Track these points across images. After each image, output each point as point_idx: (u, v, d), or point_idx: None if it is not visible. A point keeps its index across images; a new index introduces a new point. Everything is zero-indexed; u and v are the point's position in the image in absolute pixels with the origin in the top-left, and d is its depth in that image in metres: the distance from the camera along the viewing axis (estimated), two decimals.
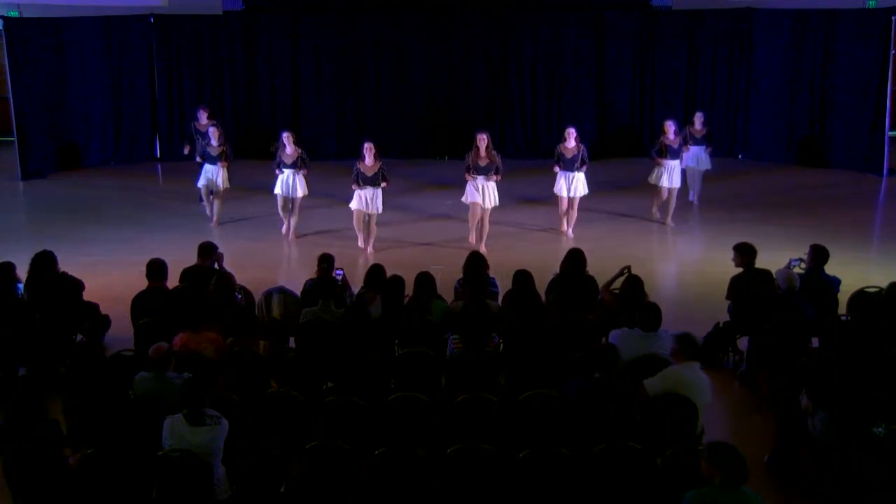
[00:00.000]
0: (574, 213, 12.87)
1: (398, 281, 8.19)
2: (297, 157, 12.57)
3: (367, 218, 12.16)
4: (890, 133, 16.44)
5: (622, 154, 17.96)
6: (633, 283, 8.10)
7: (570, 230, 12.94)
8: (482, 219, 12.25)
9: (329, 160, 17.18)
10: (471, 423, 6.28)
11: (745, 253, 8.77)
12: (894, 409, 6.23)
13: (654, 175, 13.21)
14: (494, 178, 12.04)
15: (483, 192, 12.05)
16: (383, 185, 12.00)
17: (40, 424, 5.97)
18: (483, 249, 11.66)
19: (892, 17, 15.81)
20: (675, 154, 13.11)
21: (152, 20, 18.02)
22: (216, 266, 8.90)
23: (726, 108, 18.16)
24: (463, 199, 12.30)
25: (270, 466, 5.26)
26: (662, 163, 13.04)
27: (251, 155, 16.69)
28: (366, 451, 5.87)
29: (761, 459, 6.78)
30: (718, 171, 14.54)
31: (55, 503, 5.84)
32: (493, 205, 12.15)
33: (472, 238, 12.31)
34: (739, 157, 18.03)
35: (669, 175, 13.10)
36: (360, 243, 12.30)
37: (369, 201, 11.98)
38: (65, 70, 17.25)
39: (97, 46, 17.58)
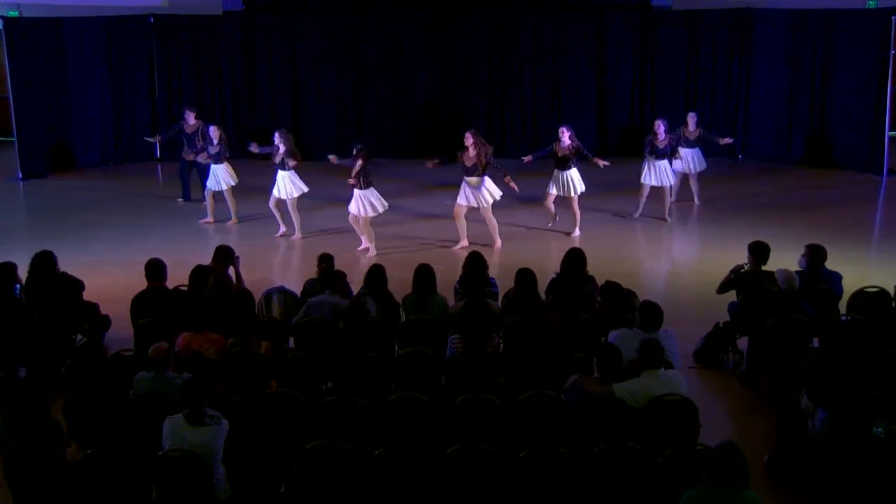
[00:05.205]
0: (577, 212, 12.76)
1: (377, 269, 8.39)
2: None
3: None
4: (890, 133, 16.42)
5: (622, 154, 17.91)
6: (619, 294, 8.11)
7: (577, 229, 12.79)
8: (486, 219, 12.18)
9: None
10: (471, 423, 6.28)
11: (752, 252, 8.78)
12: (894, 409, 6.24)
13: (643, 174, 13.35)
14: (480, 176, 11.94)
15: (467, 194, 11.97)
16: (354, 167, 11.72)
17: (40, 424, 5.97)
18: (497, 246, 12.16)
19: (892, 17, 15.80)
20: (662, 154, 13.20)
21: (152, 20, 18.02)
22: (232, 270, 8.63)
23: (726, 109, 18.13)
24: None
25: (270, 466, 5.27)
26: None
27: (251, 155, 16.63)
28: (366, 451, 5.88)
29: (761, 459, 6.78)
30: (719, 171, 14.54)
31: (55, 503, 5.84)
32: (484, 204, 11.98)
33: (465, 241, 12.26)
34: (739, 157, 17.97)
35: (657, 174, 13.19)
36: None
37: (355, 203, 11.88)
38: (65, 70, 17.24)
39: (97, 46, 17.57)
